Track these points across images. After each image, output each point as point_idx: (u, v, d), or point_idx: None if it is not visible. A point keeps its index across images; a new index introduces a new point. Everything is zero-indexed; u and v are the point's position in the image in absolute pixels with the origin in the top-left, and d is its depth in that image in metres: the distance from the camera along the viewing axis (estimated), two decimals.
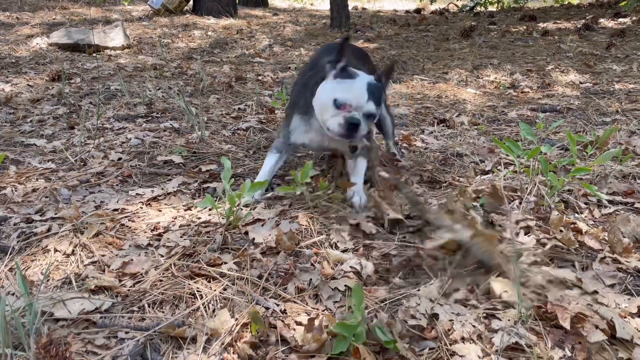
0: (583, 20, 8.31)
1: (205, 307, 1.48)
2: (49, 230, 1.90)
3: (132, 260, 1.67)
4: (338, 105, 1.90)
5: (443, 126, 3.39)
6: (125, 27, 6.24)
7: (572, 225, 1.87)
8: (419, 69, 5.35)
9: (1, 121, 3.30)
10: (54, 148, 2.83)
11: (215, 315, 1.42)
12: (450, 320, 1.41)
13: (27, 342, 1.24)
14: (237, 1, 9.90)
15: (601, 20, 8.39)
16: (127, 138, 2.98)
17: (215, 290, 1.53)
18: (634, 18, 8.20)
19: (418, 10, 11.93)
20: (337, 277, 1.62)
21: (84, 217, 1.95)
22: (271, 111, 3.66)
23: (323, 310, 1.48)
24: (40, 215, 2.03)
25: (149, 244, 1.79)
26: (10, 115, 3.44)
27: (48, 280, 1.61)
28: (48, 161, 2.62)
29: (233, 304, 1.48)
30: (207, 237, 1.83)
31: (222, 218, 1.89)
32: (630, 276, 1.61)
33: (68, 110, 3.59)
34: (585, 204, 2.12)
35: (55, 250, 1.76)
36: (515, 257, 1.51)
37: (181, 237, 1.83)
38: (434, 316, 1.44)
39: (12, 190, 2.23)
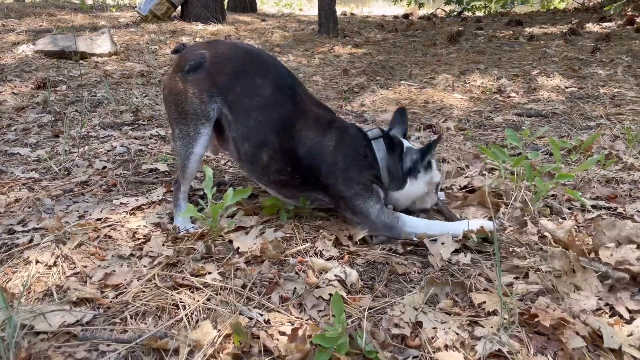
0: (569, 25, 8.40)
1: (188, 318, 1.47)
2: (30, 241, 1.88)
3: (114, 271, 1.66)
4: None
5: (430, 131, 3.40)
6: (112, 34, 6.21)
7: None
8: (406, 75, 5.38)
9: None
10: (38, 157, 2.80)
11: (197, 327, 1.41)
12: (434, 328, 1.41)
13: (7, 356, 1.23)
14: (225, 7, 9.89)
15: (587, 24, 8.49)
16: (112, 146, 2.96)
17: (198, 301, 1.52)
18: (619, 22, 8.30)
19: (406, 16, 12.00)
20: (321, 286, 1.61)
21: (66, 227, 1.93)
22: None
23: (307, 320, 1.47)
24: (23, 226, 2.01)
25: (131, 254, 1.78)
26: None
27: (29, 293, 1.59)
28: (32, 170, 2.59)
29: (216, 314, 1.47)
30: (191, 246, 1.82)
31: (205, 227, 1.87)
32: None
33: (53, 119, 3.56)
34: (569, 209, 2.13)
35: (37, 262, 1.74)
36: (498, 263, 1.52)
37: (164, 246, 1.82)
38: (418, 324, 1.44)
39: None
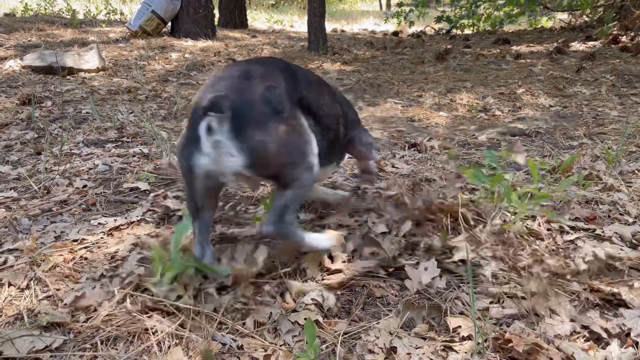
0: (555, 44, 8.52)
1: (160, 343, 1.44)
2: (5, 262, 1.85)
3: (85, 294, 1.63)
4: None
5: (414, 150, 3.41)
6: (101, 49, 6.22)
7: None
8: (393, 92, 5.41)
9: None
10: (19, 175, 2.77)
11: (169, 352, 1.39)
12: (408, 354, 1.40)
13: None
14: (216, 23, 9.95)
15: (572, 43, 8.61)
16: (94, 164, 2.94)
17: (170, 326, 1.50)
18: (604, 41, 8.43)
19: (396, 33, 12.12)
20: (297, 310, 1.60)
21: (41, 248, 1.91)
22: None
23: (281, 345, 1.46)
24: None
25: (102, 275, 1.75)
26: None
27: (0, 317, 1.57)
28: (10, 189, 2.56)
29: (188, 340, 1.45)
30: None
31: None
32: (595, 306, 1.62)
33: (36, 135, 3.54)
34: (548, 229, 2.14)
35: (10, 285, 1.71)
36: (472, 287, 1.51)
37: (137, 267, 1.80)
38: (392, 349, 1.42)
39: None
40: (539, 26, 13.12)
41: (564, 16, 12.54)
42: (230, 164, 1.53)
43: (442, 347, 1.43)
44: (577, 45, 8.46)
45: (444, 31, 11.91)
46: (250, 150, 1.53)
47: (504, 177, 2.07)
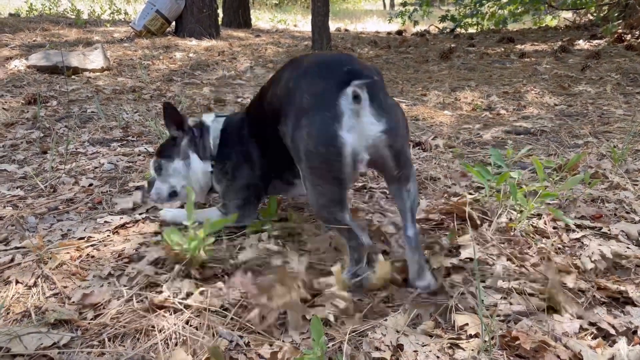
0: (560, 42, 8.50)
1: (166, 341, 1.45)
2: (12, 260, 1.86)
3: (93, 291, 1.64)
4: None
5: (419, 149, 3.41)
6: (105, 49, 6.23)
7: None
8: (397, 91, 5.41)
9: None
10: (25, 174, 2.79)
11: (175, 350, 1.40)
12: (415, 351, 1.40)
13: None
14: (220, 22, 9.96)
15: (577, 42, 8.58)
16: (100, 163, 2.95)
17: (177, 324, 1.50)
18: (609, 39, 8.40)
19: (399, 32, 12.11)
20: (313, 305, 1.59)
21: (48, 246, 1.92)
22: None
23: (289, 342, 1.46)
24: (5, 245, 1.99)
25: (110, 274, 1.76)
26: None
27: (7, 314, 1.57)
28: (17, 188, 2.58)
29: (195, 337, 1.45)
30: (172, 266, 1.80)
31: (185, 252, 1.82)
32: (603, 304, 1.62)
33: (42, 134, 3.55)
34: (554, 228, 2.13)
35: (17, 282, 1.72)
36: (479, 284, 1.51)
37: (146, 265, 1.80)
38: (399, 347, 1.42)
39: None
40: (544, 25, 13.09)
41: (568, 15, 12.50)
42: (372, 133, 1.50)
43: (448, 345, 1.43)
44: (582, 44, 8.44)
45: (447, 30, 11.90)
46: (386, 115, 1.52)
47: (510, 175, 2.06)
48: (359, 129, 1.49)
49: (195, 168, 2.08)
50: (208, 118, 2.15)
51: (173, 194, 2.12)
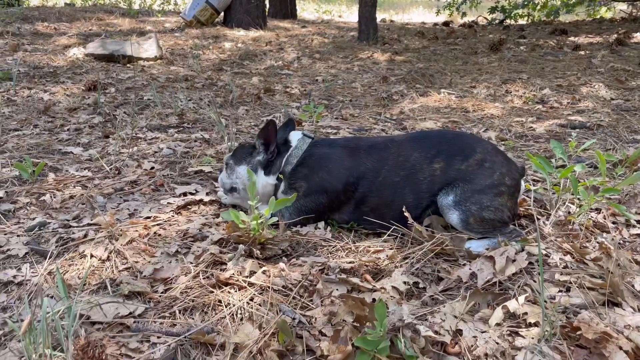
0: (615, 35, 8.19)
1: (233, 315, 1.52)
2: (85, 236, 1.98)
3: (162, 267, 1.73)
4: None
5: None
6: (158, 39, 6.42)
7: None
8: (446, 83, 5.36)
9: (40, 129, 3.44)
10: (90, 156, 2.93)
11: (242, 324, 1.47)
12: (474, 337, 1.43)
13: (66, 344, 1.31)
14: (266, 13, 10.06)
15: (634, 34, 8.25)
16: (159, 148, 3.07)
17: (242, 300, 1.58)
18: None
19: (446, 23, 11.92)
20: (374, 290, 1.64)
21: (118, 224, 2.03)
22: (299, 123, 3.72)
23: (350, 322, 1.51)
24: (77, 222, 2.12)
25: (177, 251, 1.85)
26: (48, 123, 3.58)
27: (85, 285, 1.68)
28: (85, 169, 2.72)
29: (259, 313, 1.52)
30: (234, 246, 1.88)
31: (247, 232, 1.90)
32: None
33: (103, 120, 3.71)
34: (614, 223, 2.10)
35: (92, 256, 1.83)
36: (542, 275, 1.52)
37: (210, 244, 1.89)
38: (458, 332, 1.45)
39: (51, 197, 2.33)
40: (598, 17, 12.61)
41: (624, 6, 12.00)
42: None
43: (508, 332, 1.44)
44: (638, 37, 8.10)
45: (497, 21, 11.63)
46: None
47: (573, 169, 2.04)
48: None
49: (257, 180, 2.12)
50: (294, 136, 2.20)
51: (233, 190, 2.22)
